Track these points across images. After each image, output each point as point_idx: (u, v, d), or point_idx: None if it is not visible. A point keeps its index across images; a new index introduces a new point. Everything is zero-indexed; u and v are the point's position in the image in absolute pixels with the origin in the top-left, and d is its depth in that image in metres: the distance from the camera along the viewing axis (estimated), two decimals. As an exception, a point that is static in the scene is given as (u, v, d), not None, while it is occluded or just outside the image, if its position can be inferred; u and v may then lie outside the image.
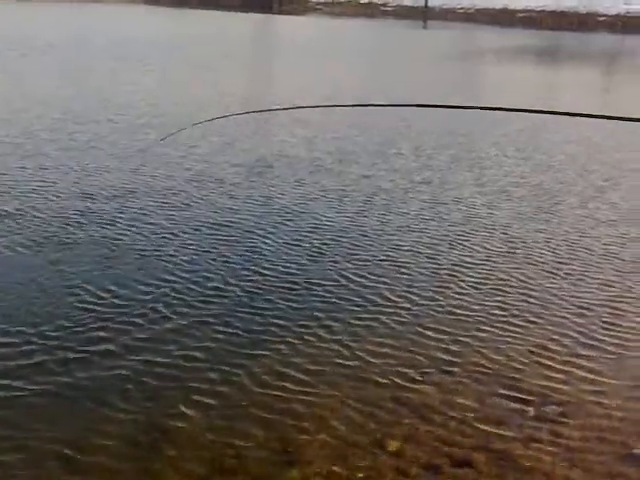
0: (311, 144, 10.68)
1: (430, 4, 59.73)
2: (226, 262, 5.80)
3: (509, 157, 10.36)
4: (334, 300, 5.13)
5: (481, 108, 2.75)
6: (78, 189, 7.73)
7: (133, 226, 6.62)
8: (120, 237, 6.31)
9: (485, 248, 6.37)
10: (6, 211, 6.86)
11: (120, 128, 11.20)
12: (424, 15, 57.23)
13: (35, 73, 17.64)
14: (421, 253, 6.18)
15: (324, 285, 5.38)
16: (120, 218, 6.83)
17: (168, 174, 8.56)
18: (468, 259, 6.07)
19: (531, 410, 3.82)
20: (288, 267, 5.73)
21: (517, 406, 3.86)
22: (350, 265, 5.82)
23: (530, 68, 26.06)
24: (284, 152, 10.01)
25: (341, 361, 4.27)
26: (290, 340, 4.51)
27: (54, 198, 7.37)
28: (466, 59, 28.12)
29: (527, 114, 12.79)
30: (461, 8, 57.89)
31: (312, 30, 45.49)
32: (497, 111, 2.57)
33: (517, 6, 54.40)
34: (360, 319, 4.85)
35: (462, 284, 5.51)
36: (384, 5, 63.44)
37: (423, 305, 5.11)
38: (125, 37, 29.94)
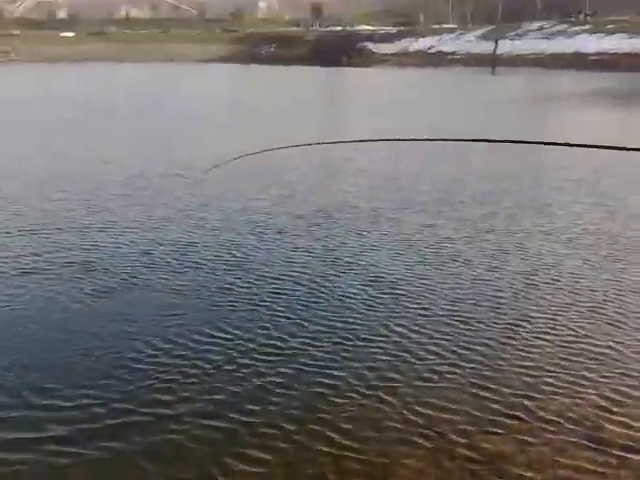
0: (371, 190, 10.69)
1: (499, 51, 59.51)
2: (284, 314, 5.80)
3: (577, 202, 10.03)
4: (395, 354, 5.03)
5: (545, 143, 2.79)
6: (143, 241, 7.98)
7: (196, 278, 6.74)
8: (183, 287, 6.44)
9: (551, 299, 6.12)
10: (74, 262, 7.15)
11: (185, 182, 11.56)
12: (493, 62, 57.04)
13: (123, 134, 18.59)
14: (485, 305, 6.00)
15: (383, 339, 5.29)
16: (183, 269, 6.98)
17: (228, 225, 8.72)
18: (533, 311, 5.84)
19: (613, 461, 3.63)
20: (346, 319, 5.67)
21: (598, 456, 3.68)
22: (411, 317, 5.70)
23: (606, 110, 25.44)
24: (348, 202, 10.05)
25: (410, 417, 4.15)
26: (353, 396, 4.43)
27: (120, 250, 7.63)
28: (539, 102, 27.77)
29: (594, 154, 12.42)
30: (531, 54, 57.44)
31: (383, 80, 46.26)
32: (564, 148, 2.52)
33: (589, 49, 53.55)
34: (422, 373, 4.72)
35: (527, 336, 5.31)
36: (452, 54, 63.77)
37: (487, 358, 4.94)
38: (202, 95, 31.25)
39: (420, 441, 3.92)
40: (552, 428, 4.00)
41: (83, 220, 8.99)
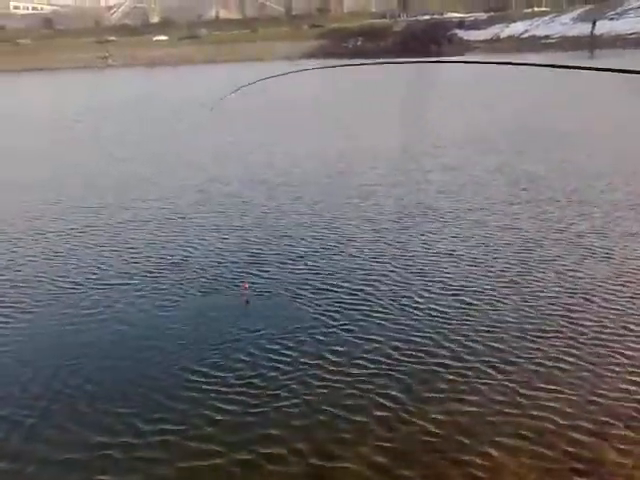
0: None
1: (597, 32, 56.88)
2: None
3: None
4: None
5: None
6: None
7: (266, 290, 6.93)
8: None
9: None
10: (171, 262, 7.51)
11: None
12: (590, 44, 54.58)
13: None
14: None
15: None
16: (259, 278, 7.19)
17: (297, 234, 8.87)
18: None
19: None
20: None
21: None
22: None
23: None
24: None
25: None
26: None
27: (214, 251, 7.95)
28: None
29: None
30: (633, 33, 54.57)
31: (478, 70, 45.14)
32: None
33: (698, 25, 50.24)
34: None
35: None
36: (546, 38, 61.50)
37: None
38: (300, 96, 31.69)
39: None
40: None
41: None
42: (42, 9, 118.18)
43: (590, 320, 5.77)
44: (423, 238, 8.23)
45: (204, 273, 7.32)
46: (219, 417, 4.53)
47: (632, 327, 5.60)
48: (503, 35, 65.40)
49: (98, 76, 59.58)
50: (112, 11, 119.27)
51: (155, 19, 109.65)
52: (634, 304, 6.05)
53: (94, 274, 7.46)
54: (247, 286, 6.72)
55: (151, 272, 7.43)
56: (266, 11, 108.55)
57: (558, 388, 4.67)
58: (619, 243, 7.68)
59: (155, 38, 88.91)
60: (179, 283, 7.04)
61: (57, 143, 18.64)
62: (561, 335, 5.51)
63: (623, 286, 6.47)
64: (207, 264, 7.61)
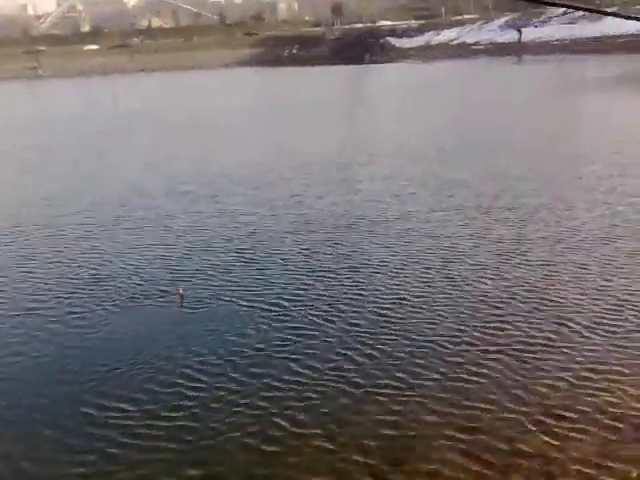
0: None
1: (523, 39, 58.85)
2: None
3: None
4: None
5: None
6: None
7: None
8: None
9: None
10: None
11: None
12: (518, 50, 56.38)
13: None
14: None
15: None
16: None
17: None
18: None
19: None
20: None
21: None
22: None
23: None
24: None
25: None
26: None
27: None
28: (571, 88, 27.49)
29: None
30: (556, 40, 56.70)
31: (413, 74, 46.03)
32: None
33: (616, 32, 52.55)
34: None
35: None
36: (475, 44, 63.21)
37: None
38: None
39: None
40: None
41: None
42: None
43: (514, 326, 5.94)
44: (351, 246, 8.31)
45: (133, 285, 7.26)
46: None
47: (556, 330, 5.80)
48: (434, 42, 66.88)
49: (27, 87, 57.78)
50: (41, 20, 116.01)
51: (86, 28, 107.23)
52: (555, 306, 6.27)
53: (23, 288, 7.24)
54: (181, 291, 7.02)
55: (77, 288, 7.25)
56: (201, 20, 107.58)
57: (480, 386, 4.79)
58: (538, 247, 7.94)
59: (86, 47, 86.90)
60: (110, 295, 6.90)
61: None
62: (486, 340, 5.66)
63: (546, 289, 6.70)
64: (136, 276, 7.50)
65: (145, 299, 7.01)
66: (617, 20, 54.75)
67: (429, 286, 6.96)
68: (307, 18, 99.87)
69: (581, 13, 60.29)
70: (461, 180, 11.57)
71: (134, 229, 9.68)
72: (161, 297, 7.03)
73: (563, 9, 61.87)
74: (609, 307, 6.20)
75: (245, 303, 6.76)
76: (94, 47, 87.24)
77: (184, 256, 8.34)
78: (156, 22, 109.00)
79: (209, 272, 7.72)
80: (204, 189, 12.04)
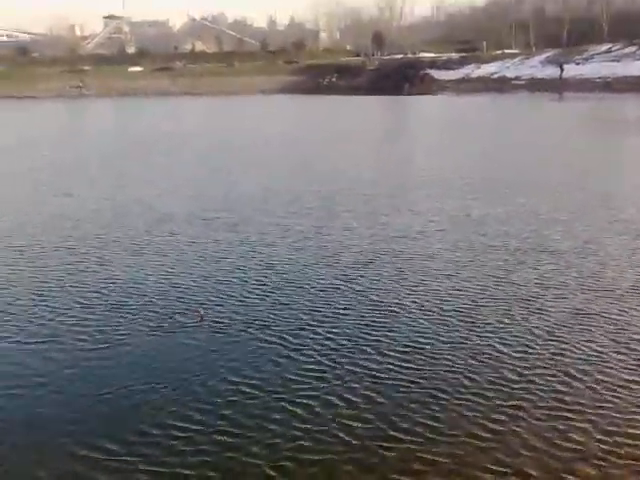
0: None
1: (565, 75, 58.20)
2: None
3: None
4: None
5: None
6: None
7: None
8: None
9: None
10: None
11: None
12: (559, 86, 55.77)
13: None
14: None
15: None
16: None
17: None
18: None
19: None
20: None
21: None
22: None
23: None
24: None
25: None
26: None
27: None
28: (609, 127, 26.94)
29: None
30: (599, 77, 55.95)
31: (450, 107, 45.85)
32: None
33: (660, 71, 51.68)
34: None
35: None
36: (516, 79, 62.75)
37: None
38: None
39: None
40: None
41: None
42: (18, 37, 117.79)
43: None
44: (371, 283, 8.03)
45: (151, 310, 7.12)
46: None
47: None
48: (474, 75, 66.59)
49: (69, 105, 59.12)
50: (87, 41, 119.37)
51: (131, 50, 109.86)
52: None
53: (39, 309, 7.12)
54: (201, 312, 7.15)
55: (93, 313, 7.10)
56: (243, 46, 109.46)
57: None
58: (565, 294, 7.55)
59: (130, 69, 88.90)
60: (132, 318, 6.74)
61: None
62: (510, 393, 5.31)
63: (573, 340, 6.32)
64: (153, 302, 7.35)
65: (163, 324, 6.90)
66: (662, 59, 53.81)
67: (449, 331, 6.64)
68: (348, 47, 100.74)
69: (626, 51, 59.71)
70: (490, 218, 11.24)
71: (154, 254, 9.56)
72: (179, 323, 6.89)
73: (607, 47, 61.46)
74: (642, 365, 5.80)
75: (262, 333, 6.61)
76: (138, 69, 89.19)
77: (203, 284, 8.18)
78: (199, 46, 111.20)
79: (228, 300, 7.57)
80: (229, 216, 11.92)
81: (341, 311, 7.24)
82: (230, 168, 18.13)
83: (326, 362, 6.01)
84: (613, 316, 6.93)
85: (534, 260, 8.86)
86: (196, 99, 63.24)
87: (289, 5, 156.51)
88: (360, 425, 5.00)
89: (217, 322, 6.97)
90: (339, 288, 7.99)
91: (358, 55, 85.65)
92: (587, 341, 6.34)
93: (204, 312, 7.18)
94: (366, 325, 6.85)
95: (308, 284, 8.15)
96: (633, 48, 59.71)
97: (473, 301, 7.45)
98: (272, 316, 7.12)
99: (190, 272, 8.69)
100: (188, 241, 10.26)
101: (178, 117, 41.78)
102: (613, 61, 58.30)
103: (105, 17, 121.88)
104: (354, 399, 5.36)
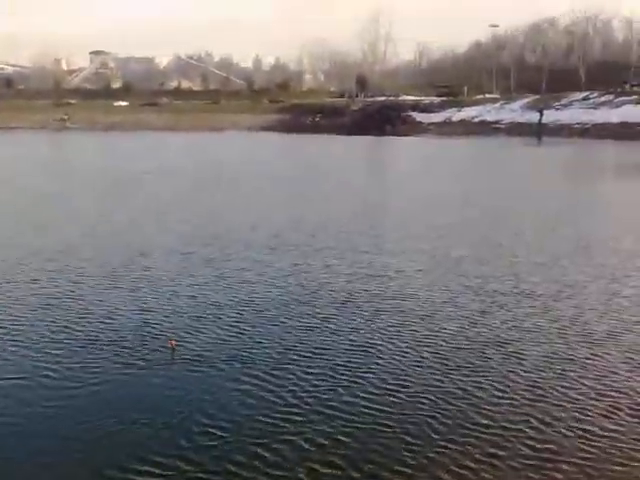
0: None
1: (544, 120, 59.35)
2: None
3: None
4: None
5: None
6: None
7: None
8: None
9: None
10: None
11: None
12: (538, 132, 56.80)
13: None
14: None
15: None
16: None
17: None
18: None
19: None
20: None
21: None
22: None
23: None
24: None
25: None
26: None
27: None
28: (592, 173, 27.39)
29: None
30: (577, 123, 57.16)
31: (431, 149, 46.43)
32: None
33: (638, 119, 52.96)
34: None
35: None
36: (496, 123, 63.88)
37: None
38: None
39: None
40: None
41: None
42: (3, 69, 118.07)
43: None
44: (345, 324, 7.95)
45: (123, 343, 6.94)
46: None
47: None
48: (455, 118, 67.74)
49: (52, 137, 58.98)
50: (74, 74, 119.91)
51: (116, 85, 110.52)
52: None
53: (8, 345, 6.93)
54: (174, 343, 7.12)
55: (65, 348, 6.92)
56: (229, 84, 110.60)
57: None
58: (538, 339, 7.52)
59: (116, 103, 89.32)
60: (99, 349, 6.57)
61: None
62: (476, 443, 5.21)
63: (548, 389, 6.25)
64: (125, 334, 7.18)
65: (136, 361, 6.77)
66: (638, 108, 55.28)
67: (423, 373, 6.55)
68: (332, 88, 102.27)
69: (602, 99, 61.22)
70: (468, 259, 11.25)
71: (129, 290, 9.41)
72: (152, 360, 6.76)
73: (584, 94, 62.98)
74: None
75: (235, 372, 6.51)
76: (123, 103, 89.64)
77: (177, 320, 8.06)
78: (185, 84, 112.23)
79: (202, 337, 7.45)
80: (206, 251, 11.82)
81: (316, 351, 7.15)
82: (211, 203, 18.08)
83: (298, 403, 5.90)
84: (589, 361, 6.90)
85: (511, 303, 8.85)
86: (181, 134, 63.49)
87: (274, 46, 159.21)
88: (329, 471, 4.87)
89: (190, 359, 6.85)
90: (315, 327, 7.90)
91: (342, 96, 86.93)
92: (563, 387, 6.29)
93: (177, 343, 7.11)
94: (341, 366, 6.75)
95: (284, 322, 8.05)
96: (610, 97, 61.29)
97: (448, 343, 7.39)
98: (246, 355, 7.00)
99: (164, 308, 8.55)
100: (163, 276, 10.13)
101: (160, 151, 41.82)
102: (591, 108, 59.73)
103: (91, 52, 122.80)
104: (324, 442, 5.25)
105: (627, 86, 67.11)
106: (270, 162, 32.34)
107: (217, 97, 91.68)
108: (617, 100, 59.56)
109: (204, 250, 11.89)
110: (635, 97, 59.09)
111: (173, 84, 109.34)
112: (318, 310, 8.53)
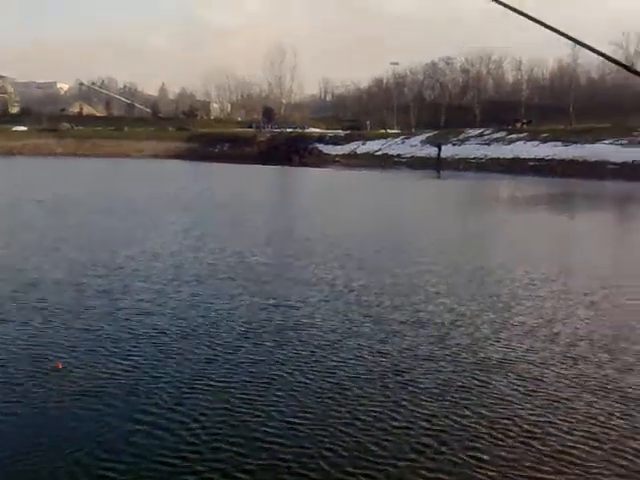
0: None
1: (442, 155, 62.15)
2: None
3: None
4: None
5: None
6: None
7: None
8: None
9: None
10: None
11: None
12: (437, 165, 59.36)
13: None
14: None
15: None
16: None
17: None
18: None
19: None
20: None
21: None
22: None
23: (553, 212, 26.42)
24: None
25: None
26: None
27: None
28: (485, 204, 28.70)
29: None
30: (473, 158, 60.10)
31: (337, 179, 47.26)
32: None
33: (528, 155, 56.35)
34: None
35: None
36: (398, 156, 66.19)
37: None
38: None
39: None
40: None
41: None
42: None
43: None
44: (252, 356, 7.86)
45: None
46: None
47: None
48: (360, 151, 69.75)
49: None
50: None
51: (14, 109, 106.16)
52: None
53: None
54: (60, 365, 7.13)
55: None
56: (133, 111, 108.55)
57: None
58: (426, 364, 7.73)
59: (14, 128, 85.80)
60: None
61: None
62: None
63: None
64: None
65: (24, 390, 6.50)
66: (528, 144, 59.00)
67: (320, 404, 6.56)
68: (239, 119, 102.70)
69: (496, 135, 64.93)
70: (368, 290, 11.43)
71: (18, 323, 8.90)
72: (40, 389, 6.39)
73: (479, 130, 66.60)
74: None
75: (126, 407, 6.21)
76: (22, 128, 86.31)
77: (70, 350, 7.66)
78: (88, 109, 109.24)
79: (90, 369, 7.11)
80: (98, 282, 11.41)
81: (214, 384, 7.00)
82: (107, 232, 17.53)
83: (193, 440, 5.73)
84: (482, 389, 7.12)
85: (408, 332, 9.04)
86: (82, 160, 61.49)
87: (180, 75, 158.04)
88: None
89: (81, 393, 6.52)
90: (214, 359, 7.75)
91: (250, 126, 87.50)
92: (456, 415, 6.44)
93: (62, 366, 6.99)
94: (238, 399, 6.63)
95: (183, 355, 7.85)
96: (503, 133, 65.07)
97: (348, 373, 7.43)
98: (141, 388, 6.76)
99: (56, 341, 8.15)
100: (56, 307, 9.66)
101: (57, 177, 40.24)
102: (485, 144, 63.16)
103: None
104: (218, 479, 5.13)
105: (518, 124, 71.54)
106: (174, 190, 31.81)
107: (121, 124, 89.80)
108: (509, 137, 63.32)
109: (98, 281, 11.48)
110: (525, 134, 62.99)
111: (75, 110, 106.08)
112: (218, 342, 8.39)
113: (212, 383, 7.03)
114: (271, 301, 10.49)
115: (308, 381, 7.17)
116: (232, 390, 6.86)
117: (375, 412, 6.42)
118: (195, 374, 7.27)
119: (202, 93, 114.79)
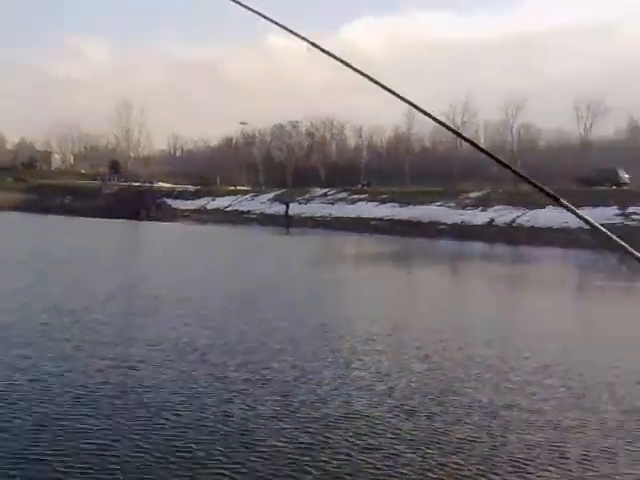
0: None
1: (290, 212, 63.96)
2: None
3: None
4: None
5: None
6: None
7: None
8: None
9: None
10: None
11: None
12: (286, 222, 60.85)
13: None
14: None
15: None
16: None
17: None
18: None
19: None
20: None
21: None
22: None
23: (396, 268, 27.83)
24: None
25: None
26: None
27: None
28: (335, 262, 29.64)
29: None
30: (319, 216, 62.34)
31: (187, 235, 46.59)
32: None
33: (369, 215, 59.54)
34: None
35: None
36: (248, 213, 66.97)
37: None
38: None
39: None
40: None
41: None
42: None
43: None
44: (89, 417, 7.42)
45: None
46: None
47: None
48: (209, 207, 69.71)
49: None
50: None
51: None
52: None
53: None
54: None
55: None
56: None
57: None
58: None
59: None
60: None
61: None
62: None
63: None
64: None
65: None
66: (369, 205, 62.45)
67: (158, 473, 6.33)
68: (83, 171, 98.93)
69: (339, 195, 68.21)
70: (212, 348, 11.31)
71: None
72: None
73: (324, 191, 69.53)
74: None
75: None
76: None
77: None
78: None
79: None
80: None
81: (43, 457, 6.51)
82: None
83: None
84: (324, 447, 7.22)
85: (251, 390, 9.02)
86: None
87: (19, 125, 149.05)
88: None
89: None
90: (44, 428, 7.23)
91: (94, 179, 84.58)
92: (300, 471, 6.50)
93: None
94: (62, 472, 6.22)
95: (5, 425, 7.25)
96: (345, 194, 68.43)
97: (189, 435, 7.26)
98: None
99: None
100: None
101: None
102: (329, 203, 66.04)
103: None
104: None
105: (359, 186, 75.85)
106: (4, 244, 29.68)
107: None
108: (351, 197, 66.72)
109: None
110: (366, 195, 66.65)
111: None
112: (48, 409, 7.83)
113: (41, 451, 6.54)
114: (109, 362, 10.02)
115: (149, 446, 6.89)
116: (63, 460, 6.42)
117: (217, 476, 6.30)
118: (21, 446, 6.72)
119: (42, 143, 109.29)
